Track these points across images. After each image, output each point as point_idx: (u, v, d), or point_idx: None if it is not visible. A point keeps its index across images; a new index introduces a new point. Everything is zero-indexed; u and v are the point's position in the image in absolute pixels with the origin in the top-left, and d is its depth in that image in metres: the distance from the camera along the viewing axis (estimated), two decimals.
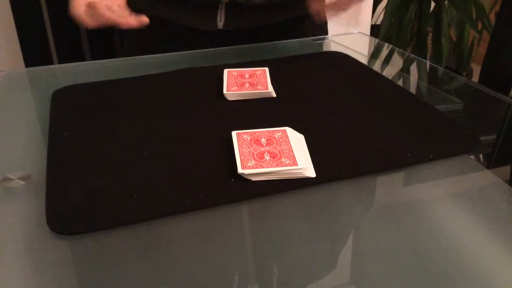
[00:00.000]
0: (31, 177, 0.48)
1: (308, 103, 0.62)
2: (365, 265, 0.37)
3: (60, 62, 1.20)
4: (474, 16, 1.84)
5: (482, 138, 0.54)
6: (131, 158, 0.50)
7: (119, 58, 0.82)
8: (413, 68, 0.83)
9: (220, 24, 0.83)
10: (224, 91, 0.63)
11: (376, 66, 0.82)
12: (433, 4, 1.89)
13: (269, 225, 0.42)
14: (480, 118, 0.64)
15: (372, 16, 1.95)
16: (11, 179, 0.48)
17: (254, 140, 0.51)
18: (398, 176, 0.49)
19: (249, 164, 0.47)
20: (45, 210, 0.42)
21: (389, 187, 0.48)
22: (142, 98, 0.64)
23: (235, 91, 0.63)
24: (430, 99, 0.68)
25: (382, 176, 0.48)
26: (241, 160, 0.47)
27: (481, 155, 0.54)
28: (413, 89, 0.74)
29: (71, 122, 0.57)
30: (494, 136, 0.59)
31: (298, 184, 0.46)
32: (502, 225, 0.42)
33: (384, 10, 1.90)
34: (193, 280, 0.36)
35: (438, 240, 0.40)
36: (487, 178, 0.49)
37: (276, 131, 0.53)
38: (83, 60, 1.23)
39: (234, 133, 0.52)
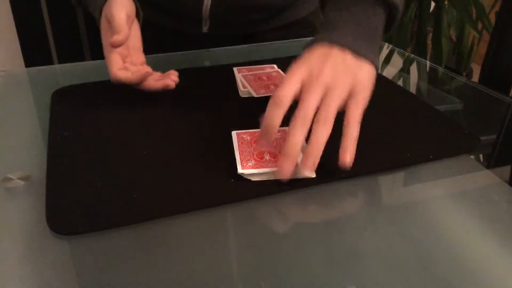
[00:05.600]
0: (31, 177, 0.48)
1: None
2: (365, 265, 0.37)
3: (60, 62, 1.20)
4: (474, 16, 1.84)
5: (482, 138, 0.54)
6: (131, 158, 0.50)
7: None
8: (413, 68, 0.83)
9: (205, 28, 0.83)
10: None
11: None
12: (433, 4, 1.89)
13: (269, 225, 0.42)
14: (480, 118, 0.64)
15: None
16: (11, 179, 0.48)
17: (254, 140, 0.51)
18: (398, 176, 0.49)
19: (249, 164, 0.47)
20: (45, 210, 0.42)
21: (389, 187, 0.48)
22: (142, 98, 0.64)
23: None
24: (430, 99, 0.68)
25: (382, 176, 0.48)
26: (241, 160, 0.47)
27: (481, 155, 0.54)
28: (413, 89, 0.74)
29: (71, 122, 0.57)
30: (494, 136, 0.59)
31: (298, 184, 0.46)
32: (502, 225, 0.42)
33: None
34: (193, 280, 0.36)
35: (438, 240, 0.40)
36: (487, 178, 0.49)
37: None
38: (83, 60, 1.23)
39: (234, 133, 0.52)
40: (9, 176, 0.48)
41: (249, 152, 0.49)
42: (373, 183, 0.47)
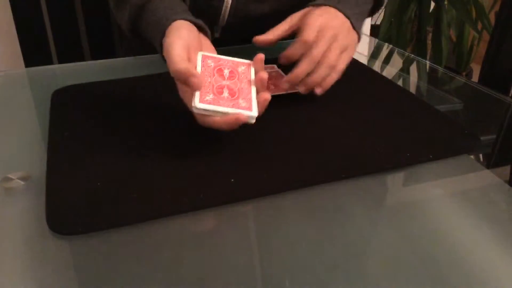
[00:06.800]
0: (31, 177, 0.48)
1: (307, 103, 0.62)
2: (365, 265, 0.37)
3: (60, 62, 1.20)
4: (474, 16, 1.84)
5: (482, 138, 0.54)
6: (131, 158, 0.50)
7: (119, 58, 0.82)
8: (413, 68, 0.83)
9: (217, 34, 0.83)
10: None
11: (376, 66, 0.82)
12: (433, 4, 1.89)
13: (269, 225, 0.42)
14: (480, 118, 0.64)
15: (372, 16, 1.95)
16: (11, 179, 0.48)
17: (218, 69, 0.50)
18: (398, 176, 0.49)
19: (207, 98, 0.46)
20: (45, 210, 0.42)
21: (389, 187, 0.48)
22: (142, 98, 0.64)
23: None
24: (430, 99, 0.68)
25: (382, 176, 0.48)
26: (200, 92, 0.46)
27: (481, 155, 0.54)
28: (413, 89, 0.74)
29: (71, 122, 0.57)
30: (494, 136, 0.59)
31: (298, 184, 0.46)
32: (502, 225, 0.42)
33: (384, 10, 1.89)
34: (193, 280, 0.36)
35: (438, 239, 0.40)
36: (487, 178, 0.49)
37: (240, 64, 0.52)
38: (83, 60, 1.23)
39: (200, 55, 0.51)
40: (9, 176, 0.48)
41: (209, 82, 0.47)
42: (373, 183, 0.47)
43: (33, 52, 1.19)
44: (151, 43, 0.64)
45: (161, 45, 0.57)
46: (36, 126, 0.59)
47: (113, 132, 0.55)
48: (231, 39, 0.86)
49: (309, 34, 0.58)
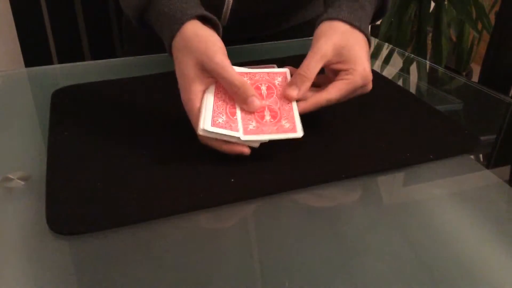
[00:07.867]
0: (31, 177, 0.48)
1: None
2: (365, 265, 0.37)
3: (60, 62, 1.20)
4: (474, 16, 1.84)
5: (482, 138, 0.55)
6: (131, 158, 0.50)
7: (119, 58, 0.82)
8: (413, 68, 0.83)
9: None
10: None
11: (376, 66, 0.82)
12: (433, 4, 1.89)
13: (269, 225, 0.42)
14: (480, 118, 0.64)
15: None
16: (11, 179, 0.48)
17: (255, 87, 0.46)
18: (398, 176, 0.49)
19: (249, 127, 0.43)
20: (45, 210, 0.42)
21: (389, 187, 0.48)
22: (142, 98, 0.64)
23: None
24: (430, 99, 0.68)
25: (382, 176, 0.48)
26: (243, 121, 0.42)
27: (481, 155, 0.54)
28: (413, 89, 0.74)
29: (71, 122, 0.57)
30: (494, 136, 0.59)
31: (298, 184, 0.46)
32: (502, 225, 0.42)
33: None
34: (193, 280, 0.36)
35: (438, 240, 0.40)
36: (487, 178, 0.49)
37: (276, 75, 0.48)
38: (83, 60, 1.22)
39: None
40: (9, 176, 0.48)
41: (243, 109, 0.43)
42: (373, 183, 0.47)
43: (33, 52, 1.19)
44: (159, 33, 0.59)
45: (171, 38, 0.54)
46: (36, 126, 0.59)
47: (113, 132, 0.55)
48: (233, 39, 0.86)
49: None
